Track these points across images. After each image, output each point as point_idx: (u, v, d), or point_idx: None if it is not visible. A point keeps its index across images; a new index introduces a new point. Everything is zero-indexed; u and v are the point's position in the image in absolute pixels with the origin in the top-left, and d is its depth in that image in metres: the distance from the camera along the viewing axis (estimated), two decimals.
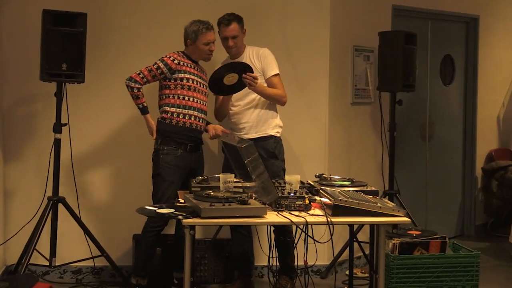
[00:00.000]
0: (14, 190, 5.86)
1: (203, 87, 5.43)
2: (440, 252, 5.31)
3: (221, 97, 5.57)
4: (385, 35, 6.33)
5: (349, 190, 4.77)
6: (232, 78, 5.27)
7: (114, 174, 5.96)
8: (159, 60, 5.28)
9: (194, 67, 5.40)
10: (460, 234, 7.72)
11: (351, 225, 5.10)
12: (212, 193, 4.44)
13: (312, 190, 4.80)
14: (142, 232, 5.45)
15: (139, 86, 5.23)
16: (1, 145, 5.75)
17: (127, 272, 5.70)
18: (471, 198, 7.86)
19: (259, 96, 5.48)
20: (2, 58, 5.75)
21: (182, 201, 4.66)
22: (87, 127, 5.86)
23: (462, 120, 7.83)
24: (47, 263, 5.51)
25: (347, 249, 5.71)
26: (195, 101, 5.35)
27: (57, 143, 5.42)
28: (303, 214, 4.28)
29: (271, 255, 5.13)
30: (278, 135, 5.58)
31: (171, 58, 5.29)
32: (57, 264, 5.57)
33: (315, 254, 5.14)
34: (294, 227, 4.59)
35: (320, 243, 4.64)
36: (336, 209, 4.27)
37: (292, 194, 4.51)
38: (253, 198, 4.45)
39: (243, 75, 5.26)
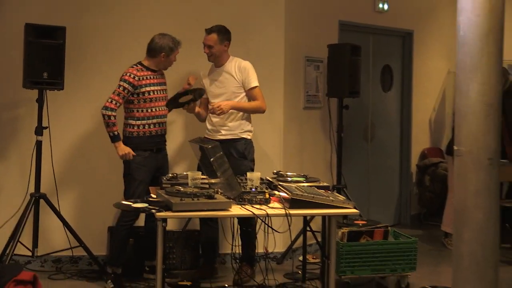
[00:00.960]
0: None
1: (163, 93, 5.41)
2: (383, 239, 5.33)
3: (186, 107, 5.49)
4: (333, 47, 6.35)
5: (304, 185, 4.78)
6: (187, 97, 5.31)
7: (90, 173, 5.87)
8: (121, 81, 5.21)
9: (153, 77, 5.35)
10: (397, 223, 7.78)
11: (305, 216, 5.11)
12: (182, 189, 4.41)
13: (271, 186, 4.80)
14: (116, 226, 5.42)
15: (115, 113, 5.16)
16: None
17: (103, 260, 5.62)
18: (407, 191, 7.93)
19: None
20: None
21: (154, 196, 4.63)
22: (66, 130, 5.78)
23: (399, 123, 7.88)
24: (30, 254, 5.46)
25: (300, 237, 5.76)
26: (157, 109, 5.33)
27: (38, 144, 5.39)
28: (263, 207, 4.28)
29: (233, 244, 5.14)
30: (248, 137, 5.54)
31: (131, 76, 5.22)
32: (38, 254, 5.52)
33: (272, 242, 5.11)
34: (256, 220, 4.60)
35: (279, 232, 4.64)
36: (294, 203, 4.28)
37: (253, 189, 4.51)
38: (219, 193, 4.44)
39: (210, 110, 5.33)
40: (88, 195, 5.87)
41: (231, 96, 5.45)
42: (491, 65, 4.35)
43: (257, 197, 4.37)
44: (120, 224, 5.34)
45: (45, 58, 5.20)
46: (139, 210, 4.40)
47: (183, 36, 5.48)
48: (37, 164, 5.39)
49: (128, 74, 5.23)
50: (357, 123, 7.27)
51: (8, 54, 5.67)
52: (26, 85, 5.24)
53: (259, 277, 5.23)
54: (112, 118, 5.16)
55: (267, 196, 4.42)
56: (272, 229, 4.38)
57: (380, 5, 7.26)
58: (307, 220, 5.33)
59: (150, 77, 5.32)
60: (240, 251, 5.52)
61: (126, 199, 5.20)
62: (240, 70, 5.45)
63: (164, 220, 4.25)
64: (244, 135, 5.51)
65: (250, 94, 5.48)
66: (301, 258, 5.62)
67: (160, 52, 5.30)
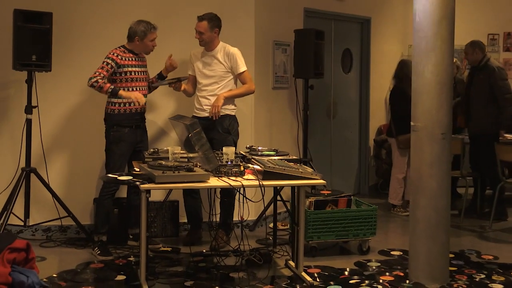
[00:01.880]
0: None
1: (144, 74, 5.38)
2: (346, 207, 5.39)
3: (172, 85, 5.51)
4: (299, 32, 6.35)
5: (274, 159, 4.81)
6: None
7: (76, 148, 5.81)
8: (106, 58, 5.17)
9: (135, 59, 5.31)
10: (357, 192, 7.85)
11: (275, 187, 5.14)
12: (163, 163, 4.42)
13: (245, 159, 4.82)
14: (99, 197, 5.39)
15: (99, 79, 5.09)
16: None
17: (89, 229, 5.59)
18: (365, 164, 8.00)
19: (221, 86, 5.46)
20: None
21: (137, 169, 4.62)
22: (53, 109, 5.70)
23: (358, 101, 7.92)
24: (22, 223, 5.44)
25: (270, 206, 5.79)
26: (138, 89, 5.30)
27: (28, 122, 5.35)
28: (239, 178, 4.31)
29: (211, 213, 5.16)
30: (232, 113, 5.55)
31: (115, 55, 5.20)
32: (30, 224, 5.50)
33: (245, 211, 5.11)
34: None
35: (253, 202, 4.66)
36: (266, 174, 4.31)
37: (229, 163, 4.52)
38: (198, 166, 4.45)
39: (210, 115, 5.37)
40: (74, 169, 5.81)
41: (219, 79, 5.48)
42: (444, 48, 4.42)
43: (233, 169, 4.40)
44: (102, 195, 5.32)
45: (34, 41, 5.14)
46: (124, 183, 4.39)
47: (159, 22, 5.43)
48: (27, 141, 5.34)
49: (112, 53, 5.21)
50: (320, 102, 7.28)
51: None
52: (16, 67, 5.17)
53: (233, 242, 5.25)
54: (99, 81, 5.08)
55: (242, 168, 4.45)
56: (248, 199, 4.40)
57: None
58: (277, 190, 5.36)
59: (132, 58, 5.29)
60: (217, 219, 5.53)
61: (107, 171, 5.19)
62: (228, 57, 5.46)
63: (148, 191, 4.26)
64: (228, 112, 5.51)
65: (240, 78, 5.53)
66: (271, 225, 5.65)
67: (134, 36, 5.25)
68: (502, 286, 4.60)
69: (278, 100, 6.51)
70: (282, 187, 5.42)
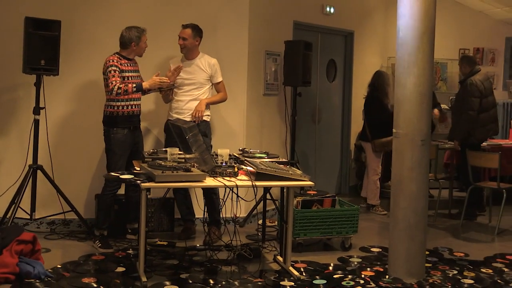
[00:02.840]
0: (0, 160, 5.58)
1: (138, 78, 5.30)
2: (331, 206, 5.35)
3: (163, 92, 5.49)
4: (289, 43, 6.29)
5: (266, 161, 4.76)
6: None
7: (80, 147, 5.72)
8: (110, 66, 5.08)
9: (130, 65, 5.24)
10: (338, 192, 7.81)
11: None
12: (162, 163, 4.35)
13: (238, 161, 4.76)
14: (101, 194, 5.32)
15: (119, 85, 5.03)
16: None
17: (91, 223, 5.50)
18: (347, 166, 7.95)
19: (201, 92, 5.44)
20: None
21: (138, 169, 4.55)
22: (59, 110, 5.62)
23: (341, 108, 7.88)
24: (28, 217, 5.36)
25: (259, 204, 5.74)
26: (134, 94, 5.20)
27: (36, 122, 5.27)
28: (233, 179, 4.25)
29: (205, 210, 5.12)
30: (208, 119, 5.52)
31: (115, 61, 5.12)
32: (36, 218, 5.42)
33: (236, 208, 5.05)
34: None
35: (246, 201, 4.61)
36: (259, 175, 4.26)
37: (224, 164, 4.47)
38: (195, 166, 4.38)
39: (192, 119, 5.33)
40: (78, 167, 5.72)
41: (200, 86, 5.45)
42: (426, 61, 4.39)
43: (227, 170, 4.35)
44: (105, 193, 5.25)
45: (43, 47, 5.07)
46: (125, 181, 4.33)
47: (159, 32, 5.48)
48: (34, 140, 5.26)
49: (112, 60, 5.12)
50: (307, 108, 7.24)
51: (7, 44, 5.47)
52: (26, 70, 5.10)
53: (225, 238, 5.19)
54: (120, 87, 5.03)
55: (235, 169, 4.39)
56: (241, 198, 4.36)
57: (327, 9, 7.24)
58: (267, 190, 5.29)
59: (127, 64, 5.22)
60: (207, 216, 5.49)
61: (108, 171, 5.11)
62: (210, 66, 5.46)
63: (148, 189, 4.20)
64: (205, 118, 5.48)
65: (216, 86, 5.55)
66: (260, 222, 5.59)
67: (130, 42, 5.19)
68: (472, 281, 4.58)
69: (268, 105, 6.46)
70: (271, 186, 5.36)
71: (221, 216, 5.47)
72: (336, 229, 5.26)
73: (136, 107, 5.27)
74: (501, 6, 8.56)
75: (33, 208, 5.33)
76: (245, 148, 5.20)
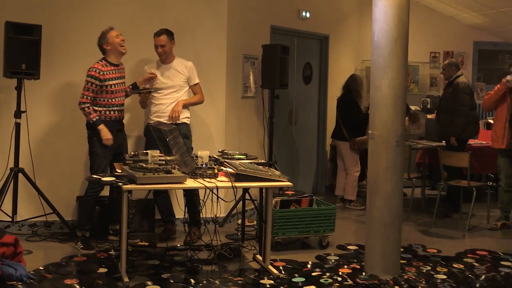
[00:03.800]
0: None
1: (122, 85, 5.25)
2: (308, 206, 5.34)
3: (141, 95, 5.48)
4: (266, 47, 6.29)
5: (245, 162, 4.73)
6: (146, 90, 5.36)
7: (61, 150, 5.63)
8: (88, 76, 5.01)
9: (115, 72, 5.16)
10: (315, 192, 7.80)
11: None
12: (144, 165, 4.31)
13: (218, 162, 4.73)
14: (84, 196, 5.25)
15: (89, 104, 5.00)
16: None
17: (72, 225, 5.43)
18: (323, 166, 7.96)
19: (180, 94, 5.42)
20: None
21: (119, 171, 4.49)
22: (40, 114, 5.52)
23: (317, 110, 7.89)
24: (10, 219, 5.26)
25: (239, 204, 5.70)
26: (117, 100, 5.16)
27: (17, 126, 5.19)
28: (213, 180, 4.22)
29: (185, 211, 5.09)
30: (188, 121, 5.49)
31: (97, 71, 5.02)
32: (17, 220, 5.33)
33: (216, 209, 5.02)
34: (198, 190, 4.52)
35: (226, 201, 4.58)
36: (238, 177, 4.23)
37: (204, 165, 4.43)
38: (175, 168, 4.35)
39: (168, 119, 5.32)
40: (59, 169, 5.63)
41: (179, 88, 5.43)
42: (399, 65, 4.40)
43: (207, 172, 4.32)
44: (88, 195, 5.18)
45: (23, 51, 5.00)
46: (107, 183, 4.27)
47: (140, 35, 5.43)
48: (16, 143, 5.18)
49: (94, 70, 5.03)
50: (284, 110, 7.23)
51: None
52: (7, 74, 5.02)
53: (205, 237, 5.15)
54: (87, 109, 5.01)
55: (215, 171, 4.36)
56: (221, 199, 4.33)
57: (303, 13, 7.26)
58: (246, 190, 5.27)
59: (112, 71, 5.13)
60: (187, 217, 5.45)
61: (92, 173, 5.04)
62: (187, 69, 5.45)
63: (130, 191, 4.15)
64: (185, 120, 5.47)
65: (193, 88, 5.53)
66: (239, 221, 5.57)
67: (102, 45, 5.12)
68: (445, 276, 4.61)
69: (246, 108, 6.43)
70: (250, 187, 5.34)
71: (201, 216, 5.43)
72: (314, 228, 5.26)
73: (118, 112, 5.21)
74: (469, 12, 8.67)
75: (14, 211, 5.23)
76: (224, 150, 5.17)
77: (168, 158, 4.63)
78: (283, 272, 4.59)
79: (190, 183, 4.18)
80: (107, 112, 5.12)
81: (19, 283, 4.13)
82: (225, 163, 4.62)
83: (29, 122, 5.27)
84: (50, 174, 5.59)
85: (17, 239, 4.36)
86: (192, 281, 4.33)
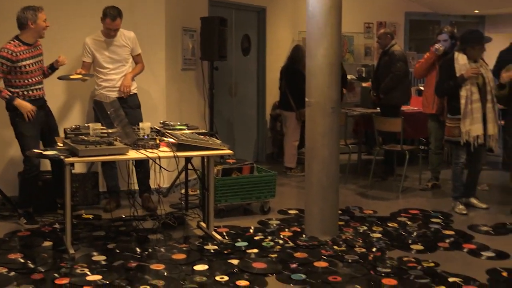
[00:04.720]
0: None
1: (38, 64, 4.98)
2: (250, 173, 5.40)
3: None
4: (205, 19, 6.24)
5: (186, 132, 4.74)
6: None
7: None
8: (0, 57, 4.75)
9: (29, 51, 4.88)
10: (256, 160, 7.86)
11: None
12: (85, 138, 4.25)
13: (160, 133, 4.71)
14: (23, 174, 5.10)
15: None
16: None
17: (15, 201, 5.29)
18: (263, 135, 8.02)
19: (127, 67, 5.40)
20: None
21: (61, 145, 4.41)
22: None
23: (256, 81, 7.90)
24: None
25: (182, 174, 5.71)
26: (33, 79, 4.92)
27: None
28: (155, 151, 4.21)
29: (129, 182, 5.06)
30: (136, 91, 5.48)
31: (9, 52, 4.76)
32: None
33: (159, 179, 5.00)
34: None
35: (169, 171, 4.58)
36: (180, 146, 4.24)
37: (146, 137, 4.42)
38: (117, 140, 4.31)
39: (120, 93, 5.27)
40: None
41: (125, 62, 5.39)
42: (334, 34, 4.47)
43: (149, 143, 4.30)
44: (26, 174, 5.02)
45: None
46: (49, 157, 4.19)
47: (75, 12, 5.30)
48: None
49: (6, 51, 4.76)
50: (224, 82, 7.23)
51: None
52: None
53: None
54: None
55: (157, 142, 4.35)
56: (164, 169, 4.32)
57: None
58: (188, 160, 5.29)
59: (26, 51, 4.85)
60: (135, 188, 5.43)
61: (23, 155, 4.90)
62: (131, 40, 5.39)
63: (72, 164, 4.09)
64: (134, 91, 5.45)
65: (136, 58, 5.48)
66: (183, 191, 5.58)
67: (27, 22, 4.84)
68: (380, 235, 4.78)
69: (186, 80, 6.40)
70: (192, 157, 5.35)
71: None
72: (255, 194, 5.33)
73: (36, 91, 4.96)
74: None
75: None
76: (165, 121, 5.15)
77: (110, 130, 4.58)
78: (226, 238, 4.65)
79: (133, 154, 4.15)
80: (25, 92, 4.88)
81: None
82: (166, 133, 4.61)
83: None
84: None
85: None
86: (138, 250, 4.34)
